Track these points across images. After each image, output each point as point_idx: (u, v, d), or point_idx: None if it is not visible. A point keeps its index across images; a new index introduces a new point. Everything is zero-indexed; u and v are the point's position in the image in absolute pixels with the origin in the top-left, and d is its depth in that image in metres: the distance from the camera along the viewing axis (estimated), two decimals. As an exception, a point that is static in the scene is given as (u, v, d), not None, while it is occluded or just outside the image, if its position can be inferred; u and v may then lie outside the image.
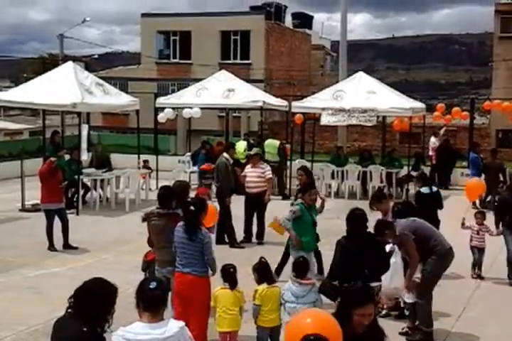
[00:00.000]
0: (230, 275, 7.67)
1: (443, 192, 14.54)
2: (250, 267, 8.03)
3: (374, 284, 7.45)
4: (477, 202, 18.79)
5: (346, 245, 7.64)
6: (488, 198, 18.51)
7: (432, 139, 23.58)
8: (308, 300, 7.36)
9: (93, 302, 4.33)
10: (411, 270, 8.44)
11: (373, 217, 8.74)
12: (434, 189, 12.55)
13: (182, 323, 4.74)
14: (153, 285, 4.63)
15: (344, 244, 7.67)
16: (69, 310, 4.38)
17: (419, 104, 21.74)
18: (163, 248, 8.24)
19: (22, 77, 46.20)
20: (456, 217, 11.83)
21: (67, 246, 13.19)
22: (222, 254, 10.18)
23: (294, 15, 51.01)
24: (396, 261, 8.56)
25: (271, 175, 14.20)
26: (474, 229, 11.79)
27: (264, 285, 7.66)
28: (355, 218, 7.82)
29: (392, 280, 8.48)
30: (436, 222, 11.18)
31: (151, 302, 4.58)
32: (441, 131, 23.90)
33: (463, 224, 11.59)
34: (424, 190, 12.24)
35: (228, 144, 16.14)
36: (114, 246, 13.56)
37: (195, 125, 24.83)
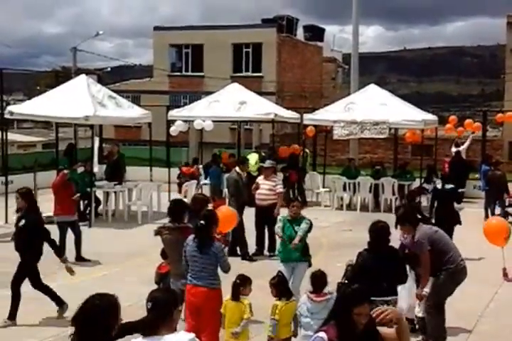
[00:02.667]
0: (233, 286, 7.68)
1: (456, 206, 14.53)
2: (262, 280, 8.03)
3: (390, 298, 7.45)
4: (489, 214, 18.79)
5: (367, 257, 7.65)
6: (498, 211, 18.49)
7: (454, 149, 23.32)
8: (322, 316, 7.32)
9: (96, 319, 4.25)
10: (423, 281, 8.41)
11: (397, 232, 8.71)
12: (451, 185, 14.10)
13: (192, 335, 4.72)
14: (149, 305, 4.61)
15: (365, 256, 7.69)
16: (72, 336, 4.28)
17: (431, 117, 21.71)
18: (176, 261, 8.25)
19: (35, 90, 46.52)
20: (470, 230, 11.80)
21: (79, 258, 13.23)
22: (234, 267, 10.15)
23: (306, 28, 51.11)
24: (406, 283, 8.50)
25: (281, 189, 14.18)
26: None
27: (284, 301, 7.65)
28: (378, 230, 7.79)
29: (399, 301, 8.46)
30: (454, 215, 13.31)
31: (150, 323, 4.56)
32: (459, 141, 23.53)
33: (505, 275, 8.67)
34: (440, 186, 13.59)
35: (242, 159, 16.14)
36: (126, 258, 13.59)
37: (207, 137, 24.90)
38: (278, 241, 10.64)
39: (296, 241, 9.69)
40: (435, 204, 14.28)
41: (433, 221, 12.67)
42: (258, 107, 21.57)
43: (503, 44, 44.34)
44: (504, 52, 42.59)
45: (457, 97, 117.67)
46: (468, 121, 24.05)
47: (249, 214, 14.06)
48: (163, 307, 4.49)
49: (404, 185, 20.35)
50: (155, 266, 9.24)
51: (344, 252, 12.89)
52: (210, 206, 9.74)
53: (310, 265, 9.79)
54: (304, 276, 9.38)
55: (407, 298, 8.79)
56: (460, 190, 18.01)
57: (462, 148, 22.69)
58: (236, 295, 7.65)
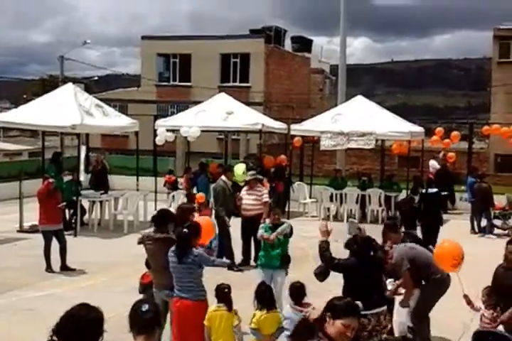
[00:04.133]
0: (225, 296, 7.62)
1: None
2: (248, 290, 7.99)
3: (381, 309, 7.44)
4: (475, 226, 18.86)
5: (354, 263, 7.64)
6: (484, 223, 18.57)
7: (432, 161, 23.59)
8: None
9: (79, 331, 4.19)
10: (405, 298, 8.44)
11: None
12: (435, 190, 15.30)
13: None
14: (145, 307, 4.58)
15: (352, 262, 7.68)
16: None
17: (417, 128, 21.79)
18: (158, 271, 8.23)
19: (22, 98, 46.37)
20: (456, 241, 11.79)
21: (64, 267, 13.14)
22: (220, 276, 10.14)
23: (294, 39, 51.30)
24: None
25: (267, 199, 14.15)
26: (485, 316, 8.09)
27: (264, 311, 7.60)
28: (363, 241, 7.86)
29: (398, 316, 8.46)
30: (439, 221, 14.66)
31: (144, 325, 4.52)
32: (440, 155, 23.91)
33: (469, 303, 8.11)
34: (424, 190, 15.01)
35: (226, 167, 16.20)
36: (112, 268, 13.52)
37: (194, 147, 24.87)
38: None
39: (272, 236, 10.01)
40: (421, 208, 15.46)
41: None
42: (245, 117, 21.60)
43: (489, 57, 44.64)
44: (490, 65, 42.86)
45: (444, 109, 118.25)
46: (454, 133, 24.16)
47: (236, 225, 14.03)
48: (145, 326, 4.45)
49: (391, 196, 20.39)
50: (138, 275, 9.18)
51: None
52: (196, 215, 9.70)
53: (286, 273, 10.03)
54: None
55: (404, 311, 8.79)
56: (443, 193, 18.64)
57: (435, 163, 22.91)
58: (230, 304, 7.59)
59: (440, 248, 8.19)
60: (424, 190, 16.40)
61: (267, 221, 10.70)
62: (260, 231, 10.32)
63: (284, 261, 10.11)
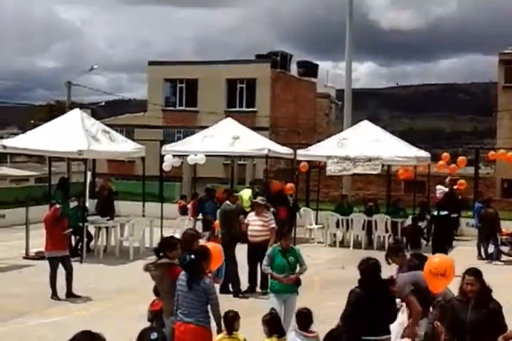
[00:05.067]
0: (228, 320, 7.58)
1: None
2: (254, 317, 7.95)
3: (384, 337, 7.37)
4: (482, 252, 18.75)
5: (360, 295, 7.56)
6: (491, 249, 18.45)
7: (439, 186, 23.50)
8: None
9: None
10: (413, 321, 8.35)
11: (388, 270, 8.65)
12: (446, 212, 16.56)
13: None
14: (154, 336, 4.56)
15: (358, 294, 7.59)
16: None
17: (423, 153, 21.76)
18: (164, 298, 8.22)
19: (29, 123, 46.58)
20: (462, 268, 11.71)
21: (70, 294, 13.09)
22: (227, 304, 10.08)
23: (300, 64, 51.50)
24: (403, 319, 8.44)
25: (274, 225, 14.10)
26: None
27: (274, 339, 7.56)
28: (368, 268, 7.74)
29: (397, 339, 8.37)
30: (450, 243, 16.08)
31: None
32: (447, 180, 23.84)
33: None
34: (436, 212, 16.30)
35: (229, 192, 16.25)
36: (118, 294, 13.48)
37: (200, 172, 24.91)
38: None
39: (294, 277, 10.04)
40: (432, 230, 16.96)
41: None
42: (252, 142, 21.61)
43: (495, 81, 44.71)
44: (496, 90, 42.92)
45: (450, 134, 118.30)
46: (461, 158, 24.13)
47: (241, 250, 13.98)
48: None
49: (398, 222, 20.30)
50: (146, 302, 9.15)
51: (336, 290, 12.82)
52: (201, 241, 9.67)
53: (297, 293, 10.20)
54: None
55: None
56: (453, 216, 19.04)
57: (441, 187, 22.79)
58: (231, 329, 7.55)
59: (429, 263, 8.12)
60: (435, 212, 17.36)
61: (277, 244, 10.66)
62: (265, 266, 10.28)
63: (297, 284, 10.19)
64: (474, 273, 7.38)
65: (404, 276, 8.51)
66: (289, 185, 21.55)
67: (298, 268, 10.26)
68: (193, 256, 7.78)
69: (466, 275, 7.33)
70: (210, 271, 8.31)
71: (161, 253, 8.35)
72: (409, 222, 19.90)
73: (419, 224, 17.45)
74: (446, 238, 17.02)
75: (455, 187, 22.56)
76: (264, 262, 10.34)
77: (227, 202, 14.65)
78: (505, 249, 18.76)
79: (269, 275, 10.60)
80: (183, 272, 7.79)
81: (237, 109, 43.40)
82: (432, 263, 7.99)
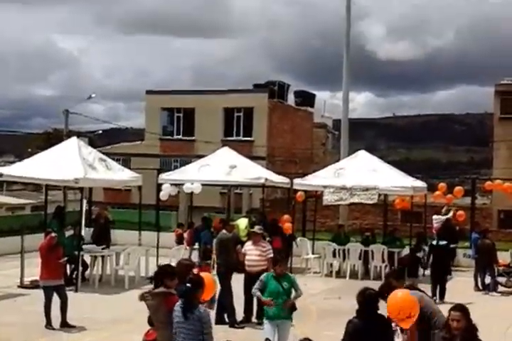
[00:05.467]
0: None
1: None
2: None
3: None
4: (479, 283, 18.66)
5: (357, 325, 7.50)
6: (488, 280, 18.37)
7: (435, 216, 23.43)
8: None
9: None
10: None
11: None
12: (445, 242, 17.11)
13: None
14: None
15: (355, 324, 7.53)
16: None
17: (420, 183, 21.79)
18: (159, 328, 8.13)
19: (26, 152, 46.61)
20: (458, 299, 11.68)
21: (64, 324, 12.97)
22: (222, 334, 10.02)
23: (297, 94, 51.76)
24: None
25: (272, 254, 14.03)
26: None
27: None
28: (366, 298, 7.69)
29: None
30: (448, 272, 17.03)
31: None
32: (443, 210, 23.80)
33: None
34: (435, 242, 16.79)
35: (226, 221, 16.24)
36: (113, 324, 13.36)
37: (196, 201, 24.84)
38: None
39: (291, 302, 10.07)
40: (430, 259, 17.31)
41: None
42: (248, 171, 21.63)
43: (491, 112, 44.96)
44: (492, 121, 43.12)
45: (446, 164, 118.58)
46: (457, 188, 24.15)
47: (237, 280, 13.89)
48: None
49: (394, 252, 20.24)
50: (141, 332, 9.05)
51: (333, 320, 12.73)
52: (195, 271, 9.61)
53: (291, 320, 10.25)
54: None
55: None
56: (452, 246, 19.24)
57: (438, 217, 22.69)
58: None
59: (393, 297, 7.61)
60: (434, 242, 17.70)
61: (272, 271, 10.61)
62: (256, 290, 10.28)
63: (291, 310, 10.18)
64: (461, 309, 7.23)
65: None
66: (287, 225, 21.19)
67: (293, 294, 10.23)
68: (188, 285, 7.73)
69: (453, 312, 7.17)
70: (204, 300, 8.24)
71: (159, 282, 8.29)
72: (406, 252, 19.89)
73: (417, 254, 17.48)
74: (444, 268, 17.41)
75: (450, 214, 22.45)
76: (256, 285, 10.34)
77: (224, 231, 14.62)
78: (502, 279, 18.68)
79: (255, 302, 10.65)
80: (178, 302, 7.73)
81: (234, 138, 43.52)
82: (395, 307, 7.46)
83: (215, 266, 14.58)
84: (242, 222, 21.08)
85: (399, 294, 7.57)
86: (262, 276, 10.46)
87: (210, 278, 9.28)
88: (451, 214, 22.43)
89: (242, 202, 34.78)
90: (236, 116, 44.74)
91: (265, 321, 10.23)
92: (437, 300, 16.46)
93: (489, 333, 10.65)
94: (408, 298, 7.55)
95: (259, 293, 10.24)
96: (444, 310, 10.66)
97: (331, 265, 20.67)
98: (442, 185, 24.42)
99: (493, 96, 42.47)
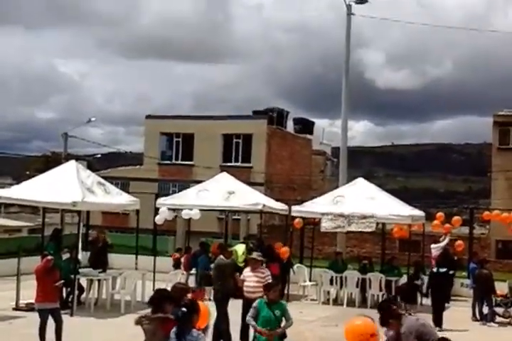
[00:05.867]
0: None
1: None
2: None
3: None
4: (476, 313, 18.57)
5: None
6: (486, 310, 18.28)
7: (433, 245, 23.36)
8: None
9: None
10: None
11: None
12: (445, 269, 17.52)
13: None
14: None
15: None
16: None
17: (418, 212, 21.78)
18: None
19: (24, 174, 46.63)
20: (456, 328, 11.61)
21: (59, 348, 12.85)
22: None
23: (296, 121, 52.04)
24: None
25: (271, 281, 13.95)
26: None
27: None
28: None
29: None
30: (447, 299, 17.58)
31: None
32: (441, 240, 23.73)
33: None
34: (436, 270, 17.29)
35: (223, 246, 16.17)
36: (107, 349, 13.23)
37: (194, 226, 24.81)
38: None
39: (280, 332, 10.06)
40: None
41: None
42: (246, 197, 21.61)
43: (489, 142, 45.09)
44: (491, 151, 43.23)
45: (444, 194, 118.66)
46: (456, 218, 24.12)
47: (234, 306, 13.80)
48: None
49: (392, 280, 20.16)
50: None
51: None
52: (189, 296, 9.56)
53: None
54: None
55: None
56: (451, 272, 19.43)
57: (438, 245, 22.60)
58: None
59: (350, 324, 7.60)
60: (434, 269, 18.07)
61: (264, 297, 10.56)
62: (250, 318, 10.28)
63: (282, 337, 10.21)
64: None
65: (412, 323, 8.31)
66: (284, 249, 21.16)
67: (284, 323, 10.22)
68: (184, 309, 7.69)
69: None
70: (200, 328, 8.17)
71: (158, 306, 8.23)
72: (403, 280, 19.83)
73: (415, 282, 17.57)
74: (444, 295, 17.72)
75: (446, 240, 22.37)
76: (250, 313, 10.36)
77: (221, 256, 14.56)
78: (499, 310, 18.59)
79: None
80: (174, 329, 7.66)
81: (233, 163, 43.61)
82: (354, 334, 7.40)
83: (212, 291, 14.51)
84: (240, 248, 21.00)
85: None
86: (255, 303, 10.45)
87: (204, 306, 9.24)
88: (447, 239, 22.37)
89: (239, 228, 34.70)
90: (235, 142, 44.90)
91: None
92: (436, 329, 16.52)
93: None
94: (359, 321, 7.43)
95: (253, 322, 10.22)
96: (448, 334, 10.64)
97: (328, 292, 20.57)
98: (440, 214, 24.39)
99: (491, 127, 42.63)
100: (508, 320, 18.28)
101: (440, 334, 9.72)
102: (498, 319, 18.34)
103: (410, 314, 9.20)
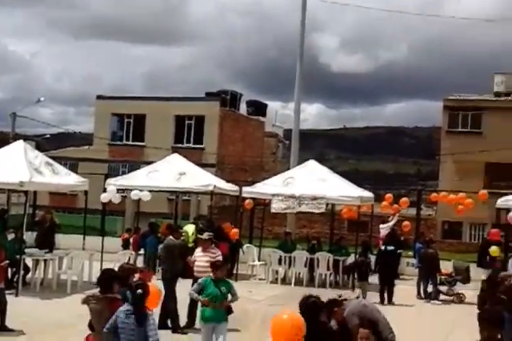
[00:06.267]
0: None
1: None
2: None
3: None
4: (421, 291, 18.93)
5: None
6: (430, 288, 18.68)
7: (382, 225, 23.63)
8: None
9: None
10: None
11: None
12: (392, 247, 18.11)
13: None
14: None
15: None
16: None
17: (367, 194, 22.00)
18: (100, 333, 8.01)
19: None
20: (400, 307, 11.82)
21: (3, 328, 12.71)
22: (164, 339, 9.92)
23: (249, 103, 52.01)
24: None
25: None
26: None
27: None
28: (308, 305, 7.73)
29: None
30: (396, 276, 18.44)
31: None
32: (390, 220, 23.98)
33: None
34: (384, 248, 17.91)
35: (173, 227, 16.16)
36: (53, 329, 13.12)
37: (143, 207, 24.67)
38: None
39: (227, 303, 10.18)
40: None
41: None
42: (197, 178, 21.58)
43: (439, 126, 45.73)
44: (440, 134, 43.86)
45: (394, 176, 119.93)
46: (404, 199, 24.44)
47: (183, 286, 13.81)
48: None
49: (339, 260, 20.41)
50: (82, 337, 8.92)
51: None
52: (136, 276, 9.53)
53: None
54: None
55: None
56: (399, 251, 19.66)
57: (387, 225, 22.89)
58: None
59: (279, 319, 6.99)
60: (383, 247, 18.69)
61: (211, 274, 10.58)
62: (193, 292, 10.38)
63: (228, 312, 10.24)
64: (370, 326, 7.03)
65: (354, 304, 8.42)
66: (234, 230, 21.15)
67: (230, 298, 10.32)
68: (140, 291, 7.65)
69: (361, 329, 6.88)
70: (150, 309, 8.17)
71: (107, 286, 8.19)
72: (351, 260, 20.11)
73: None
74: (392, 272, 18.38)
75: (394, 220, 22.66)
76: (193, 288, 10.48)
77: (171, 237, 14.50)
78: (443, 288, 18.98)
79: (199, 307, 10.66)
80: (122, 308, 7.63)
81: (185, 145, 43.44)
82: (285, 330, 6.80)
83: (160, 271, 14.48)
84: (190, 229, 20.99)
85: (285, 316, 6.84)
86: (201, 280, 10.50)
87: (155, 287, 9.24)
88: (395, 219, 22.68)
89: (190, 209, 34.64)
90: (187, 123, 44.70)
91: (201, 324, 10.32)
92: (385, 303, 16.96)
93: (428, 337, 10.79)
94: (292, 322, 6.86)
95: (196, 294, 10.31)
96: (392, 312, 10.83)
97: (277, 272, 20.72)
98: (389, 195, 24.68)
99: (441, 111, 43.23)
100: (451, 298, 18.69)
101: (385, 311, 9.91)
102: (442, 297, 18.74)
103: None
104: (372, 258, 19.27)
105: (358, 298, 9.86)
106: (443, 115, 43.04)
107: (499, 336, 10.87)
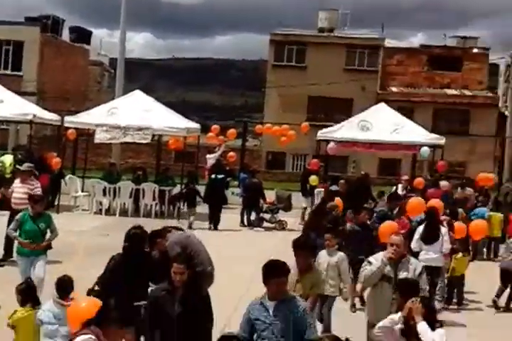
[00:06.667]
0: (32, 291, 7.39)
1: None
2: (11, 285, 7.61)
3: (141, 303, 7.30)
4: (245, 219, 19.53)
5: (119, 261, 7.66)
6: (253, 216, 19.35)
7: (208, 155, 23.85)
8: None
9: None
10: None
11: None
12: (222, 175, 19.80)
13: None
14: None
15: (117, 261, 7.69)
16: None
17: (194, 125, 22.12)
18: None
19: None
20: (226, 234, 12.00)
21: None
22: None
23: (72, 30, 50.02)
24: None
25: (40, 192, 13.53)
26: None
27: (27, 308, 7.24)
28: (131, 237, 7.86)
29: None
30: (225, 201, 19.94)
31: None
32: (217, 150, 24.21)
33: None
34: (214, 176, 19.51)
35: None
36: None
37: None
38: None
39: (45, 244, 9.99)
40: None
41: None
42: (16, 107, 20.70)
43: (265, 59, 46.30)
44: (266, 67, 44.48)
45: (221, 107, 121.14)
46: (230, 130, 24.74)
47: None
48: None
49: (165, 190, 20.47)
50: None
51: (99, 257, 12.56)
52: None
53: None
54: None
55: None
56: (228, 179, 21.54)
57: (214, 155, 23.21)
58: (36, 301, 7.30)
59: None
60: (213, 176, 19.67)
61: (30, 209, 10.24)
62: (11, 230, 10.25)
63: (46, 249, 10.13)
64: (184, 260, 6.72)
65: (176, 236, 8.44)
66: (56, 160, 20.39)
67: (48, 234, 10.15)
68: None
69: (175, 264, 6.55)
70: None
71: None
72: (177, 190, 20.27)
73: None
74: (221, 198, 19.40)
75: (220, 150, 23.02)
76: (11, 226, 10.29)
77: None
78: (267, 216, 19.65)
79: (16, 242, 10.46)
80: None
81: (2, 71, 41.19)
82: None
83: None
84: (8, 159, 20.16)
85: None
86: (18, 216, 10.27)
87: None
88: (221, 150, 23.03)
89: (8, 139, 33.25)
90: (5, 49, 42.32)
91: (19, 258, 10.18)
92: (212, 228, 18.12)
93: (247, 263, 11.11)
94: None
95: (15, 233, 10.09)
96: (218, 238, 11.04)
97: (101, 203, 20.49)
98: (215, 126, 24.93)
99: (268, 45, 43.73)
100: (273, 225, 19.43)
101: (212, 237, 10.05)
102: (265, 224, 19.42)
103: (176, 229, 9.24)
104: (199, 188, 19.49)
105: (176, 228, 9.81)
106: (269, 49, 43.59)
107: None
